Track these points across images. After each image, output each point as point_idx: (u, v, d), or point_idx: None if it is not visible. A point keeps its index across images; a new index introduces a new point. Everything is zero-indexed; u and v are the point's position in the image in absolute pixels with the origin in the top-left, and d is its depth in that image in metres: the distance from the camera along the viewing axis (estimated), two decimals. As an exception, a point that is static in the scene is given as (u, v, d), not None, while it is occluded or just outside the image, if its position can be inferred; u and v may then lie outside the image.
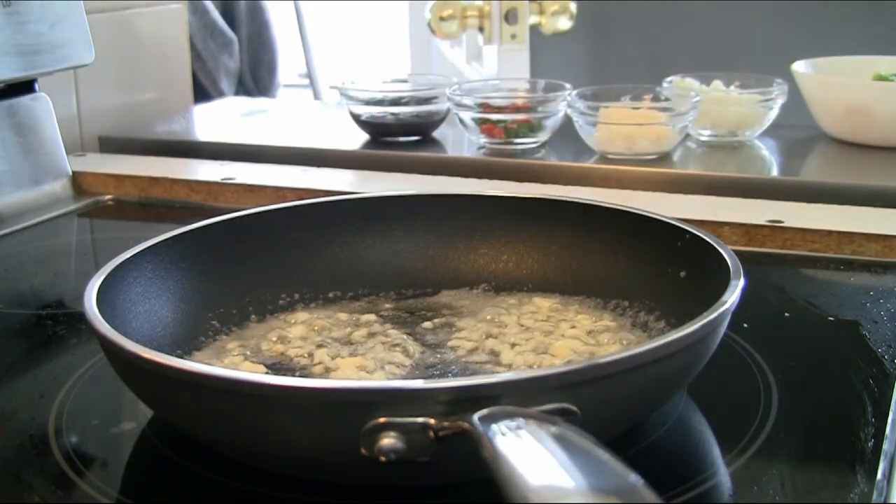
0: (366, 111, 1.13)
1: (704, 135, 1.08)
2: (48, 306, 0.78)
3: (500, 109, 1.07)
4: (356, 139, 1.13)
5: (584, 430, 0.39)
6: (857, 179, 0.96)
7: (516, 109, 1.07)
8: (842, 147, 1.07)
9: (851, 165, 1.03)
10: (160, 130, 1.22)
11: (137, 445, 0.55)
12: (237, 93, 2.18)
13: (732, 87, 1.10)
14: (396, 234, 0.72)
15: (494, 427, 0.40)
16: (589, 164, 1.02)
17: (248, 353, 0.62)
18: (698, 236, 0.62)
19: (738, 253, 0.58)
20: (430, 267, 0.71)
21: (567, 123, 1.07)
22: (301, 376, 0.59)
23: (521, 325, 0.65)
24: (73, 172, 1.05)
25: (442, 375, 0.59)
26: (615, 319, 0.65)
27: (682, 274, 0.62)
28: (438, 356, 0.61)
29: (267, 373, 0.59)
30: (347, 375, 0.59)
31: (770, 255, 0.83)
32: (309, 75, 2.81)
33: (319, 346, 0.63)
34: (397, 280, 0.71)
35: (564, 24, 1.67)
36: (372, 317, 0.67)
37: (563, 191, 0.96)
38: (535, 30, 1.69)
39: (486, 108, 1.07)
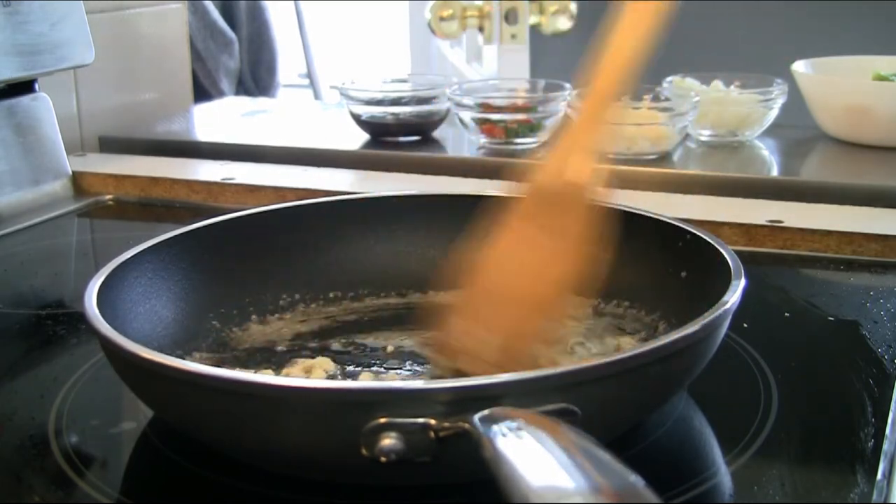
0: (366, 111, 1.13)
1: (704, 135, 1.08)
2: (48, 306, 0.78)
3: (500, 109, 1.07)
4: (356, 139, 1.13)
5: (585, 430, 0.39)
6: (857, 179, 0.96)
7: (516, 109, 1.07)
8: (842, 147, 1.07)
9: (851, 165, 1.03)
10: (160, 130, 1.22)
11: (137, 445, 0.55)
12: (237, 93, 2.18)
13: (732, 87, 1.10)
14: (397, 234, 0.72)
15: (495, 427, 0.40)
16: (589, 164, 1.02)
17: (249, 353, 0.62)
18: (699, 236, 0.62)
19: (738, 253, 0.58)
20: (431, 267, 0.71)
21: (567, 124, 1.07)
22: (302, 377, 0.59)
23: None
24: (73, 172, 1.05)
25: (442, 376, 0.59)
26: (616, 319, 0.65)
27: (683, 274, 0.62)
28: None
29: (267, 373, 0.59)
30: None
31: (770, 255, 0.83)
32: (309, 75, 2.81)
33: (320, 346, 0.63)
34: (398, 280, 0.71)
35: (564, 24, 1.67)
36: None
37: (563, 191, 0.95)
38: (535, 30, 1.69)
39: (486, 108, 1.07)
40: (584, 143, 0.55)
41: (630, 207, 0.68)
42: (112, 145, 1.17)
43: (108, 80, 1.19)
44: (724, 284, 0.54)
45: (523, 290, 0.55)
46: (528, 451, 0.37)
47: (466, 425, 0.41)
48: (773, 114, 1.08)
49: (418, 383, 0.53)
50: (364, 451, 0.43)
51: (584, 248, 0.54)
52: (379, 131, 1.13)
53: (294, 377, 0.58)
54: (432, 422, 0.43)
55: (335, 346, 0.63)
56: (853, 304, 0.73)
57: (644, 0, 0.55)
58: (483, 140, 1.08)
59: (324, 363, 0.60)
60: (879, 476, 0.50)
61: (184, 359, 0.58)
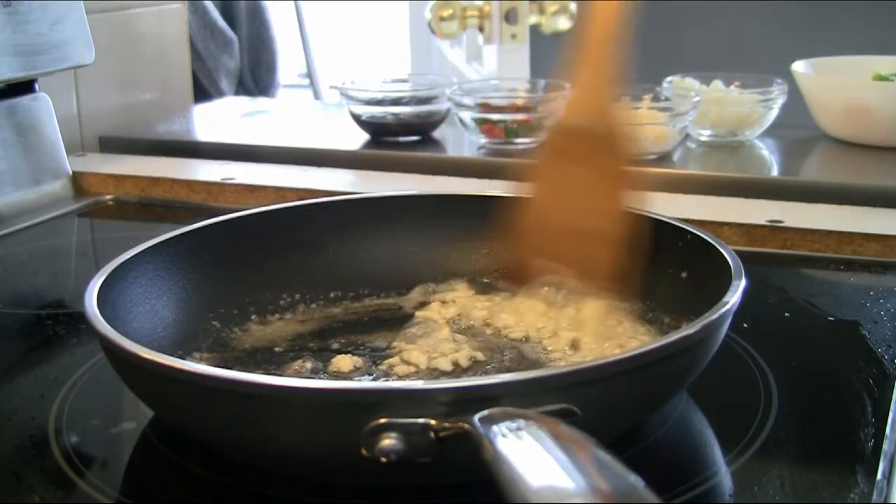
0: (366, 111, 1.13)
1: (704, 135, 1.08)
2: (48, 306, 0.78)
3: (500, 109, 1.07)
4: (356, 139, 1.13)
5: (585, 430, 0.39)
6: (857, 179, 0.96)
7: (516, 109, 1.07)
8: (842, 147, 1.07)
9: (851, 165, 1.03)
10: (160, 130, 1.22)
11: (137, 445, 0.55)
12: (237, 93, 2.18)
13: (732, 87, 1.10)
14: (396, 234, 0.72)
15: (495, 428, 0.40)
16: (589, 164, 1.02)
17: (249, 353, 0.62)
18: (699, 236, 0.62)
19: (738, 253, 0.58)
20: (431, 267, 0.71)
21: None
22: (302, 377, 0.59)
23: (521, 326, 0.65)
24: (73, 172, 1.05)
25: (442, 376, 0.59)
26: (615, 320, 0.65)
27: (683, 274, 0.62)
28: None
29: (267, 373, 0.59)
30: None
31: (770, 255, 0.83)
32: (309, 75, 2.81)
33: (320, 346, 0.63)
34: (398, 280, 0.71)
35: (564, 24, 1.67)
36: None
37: (563, 191, 0.95)
38: (535, 30, 1.69)
39: (486, 108, 1.07)
40: (600, 80, 0.56)
41: (630, 207, 0.67)
42: (112, 145, 1.17)
43: (108, 80, 1.19)
44: (724, 284, 0.54)
45: (580, 220, 0.56)
46: (528, 451, 0.37)
47: (466, 426, 0.41)
48: (773, 114, 1.08)
49: (418, 383, 0.53)
50: (364, 452, 0.43)
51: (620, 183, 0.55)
52: (379, 131, 1.13)
53: (294, 377, 0.58)
54: (432, 422, 0.43)
55: (335, 346, 0.63)
56: (853, 304, 0.73)
57: None
58: (483, 140, 1.08)
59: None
60: (879, 476, 0.50)
61: (184, 359, 0.58)
